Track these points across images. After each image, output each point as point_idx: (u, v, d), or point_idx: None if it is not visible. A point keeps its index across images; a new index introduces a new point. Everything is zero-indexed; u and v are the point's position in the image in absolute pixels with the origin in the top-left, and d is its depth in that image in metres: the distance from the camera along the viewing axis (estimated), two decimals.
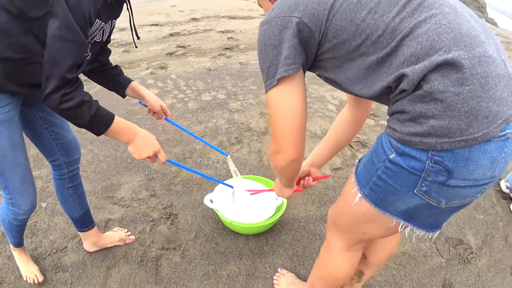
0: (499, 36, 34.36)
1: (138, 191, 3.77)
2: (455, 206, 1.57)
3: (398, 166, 1.55)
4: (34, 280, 2.87)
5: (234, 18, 12.78)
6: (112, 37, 10.55)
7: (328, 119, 5.44)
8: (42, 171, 4.16)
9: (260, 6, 2.10)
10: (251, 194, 3.10)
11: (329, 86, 6.55)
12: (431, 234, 1.77)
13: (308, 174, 2.63)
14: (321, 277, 2.35)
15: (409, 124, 1.43)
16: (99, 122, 1.89)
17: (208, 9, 14.34)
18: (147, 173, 4.05)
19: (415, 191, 1.53)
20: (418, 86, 1.38)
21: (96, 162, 4.26)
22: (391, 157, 1.57)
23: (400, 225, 1.73)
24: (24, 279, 2.90)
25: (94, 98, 1.85)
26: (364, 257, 2.50)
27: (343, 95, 6.24)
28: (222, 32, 10.43)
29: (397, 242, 2.39)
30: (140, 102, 2.69)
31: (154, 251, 3.13)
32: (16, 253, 2.95)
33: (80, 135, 4.83)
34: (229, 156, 3.25)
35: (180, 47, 8.77)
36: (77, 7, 1.67)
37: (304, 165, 2.62)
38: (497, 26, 60.10)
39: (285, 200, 3.32)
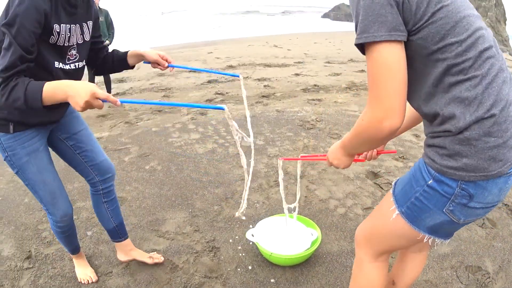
0: None
1: (183, 226, 4.07)
2: (467, 222, 1.95)
3: (434, 190, 1.91)
4: (88, 280, 3.28)
5: (269, 66, 13.17)
6: (152, 81, 10.96)
7: (360, 163, 5.72)
8: (87, 203, 4.54)
9: None
10: (302, 157, 3.22)
11: None
12: (445, 241, 2.11)
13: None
14: None
15: (447, 159, 1.81)
16: (33, 95, 2.07)
17: (244, 56, 14.82)
18: (191, 211, 4.35)
19: (444, 210, 1.91)
20: (461, 131, 1.74)
21: (141, 199, 4.60)
22: (429, 182, 1.92)
23: (426, 237, 2.04)
24: (79, 281, 3.30)
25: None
26: (392, 283, 2.77)
27: None
28: (259, 80, 10.82)
29: (422, 268, 2.65)
30: (144, 62, 2.97)
31: (197, 279, 3.39)
32: (75, 260, 3.39)
33: (124, 173, 5.23)
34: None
35: (219, 94, 9.14)
36: (21, 28, 2.09)
37: None
38: None
39: (320, 235, 3.62)
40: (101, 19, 8.65)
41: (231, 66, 12.97)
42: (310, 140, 6.44)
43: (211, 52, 16.10)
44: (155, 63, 2.93)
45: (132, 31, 32.24)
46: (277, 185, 4.95)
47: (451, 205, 1.89)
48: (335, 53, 17.99)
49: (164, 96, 9.28)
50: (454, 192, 1.84)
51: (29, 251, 3.80)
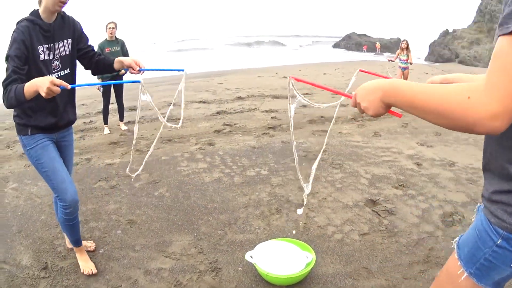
0: None
1: (188, 248, 4.39)
2: None
3: (503, 249, 1.87)
4: (89, 272, 3.92)
5: (277, 97, 13.49)
6: (163, 111, 11.29)
7: (359, 191, 5.97)
8: (100, 224, 4.92)
9: None
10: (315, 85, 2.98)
11: (363, 161, 7.19)
12: None
13: None
14: None
15: None
16: (18, 93, 3.04)
17: (253, 88, 15.15)
18: (196, 234, 4.66)
19: (511, 265, 1.90)
20: None
21: (150, 222, 4.94)
22: (498, 242, 1.88)
23: None
24: (82, 271, 3.91)
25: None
26: None
27: (376, 169, 6.83)
28: (266, 111, 11.14)
29: None
30: (125, 70, 3.63)
31: None
32: (77, 253, 4.06)
33: (134, 198, 5.58)
34: (185, 70, 3.86)
35: (227, 125, 9.46)
36: (12, 56, 3.21)
37: (442, 78, 2.56)
38: None
39: (314, 257, 3.91)
40: (117, 48, 9.00)
41: (240, 98, 13.33)
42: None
43: (221, 83, 16.53)
44: (130, 67, 3.65)
45: (146, 61, 32.58)
46: (278, 212, 5.25)
47: None
48: (343, 84, 18.31)
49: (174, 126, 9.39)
50: None
51: (46, 262, 4.22)
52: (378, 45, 61.44)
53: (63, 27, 3.59)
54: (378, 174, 6.71)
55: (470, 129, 1.56)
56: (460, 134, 10.10)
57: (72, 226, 3.80)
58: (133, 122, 10.11)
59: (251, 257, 3.87)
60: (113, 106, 9.94)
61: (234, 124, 9.72)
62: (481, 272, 2.01)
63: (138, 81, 3.35)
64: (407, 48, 15.91)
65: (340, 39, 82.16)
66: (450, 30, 76.73)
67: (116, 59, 3.88)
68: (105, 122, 9.48)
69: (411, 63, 15.78)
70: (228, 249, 4.42)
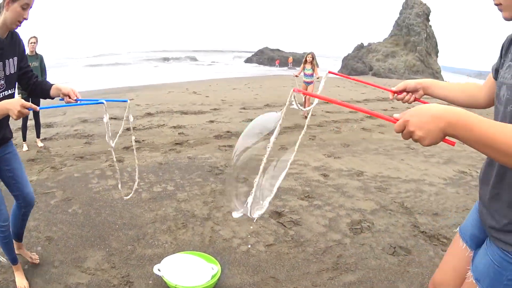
0: None
1: (101, 263, 4.57)
2: None
3: None
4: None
5: (186, 113, 13.73)
6: (76, 127, 11.39)
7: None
8: (23, 240, 4.95)
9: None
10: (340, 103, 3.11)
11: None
12: None
13: (415, 91, 2.72)
14: None
15: None
16: None
17: (163, 104, 15.37)
18: (108, 250, 4.84)
19: None
20: None
21: (65, 239, 5.07)
22: None
23: None
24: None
25: None
26: None
27: (281, 182, 6.99)
28: (174, 127, 11.36)
29: None
30: (61, 99, 3.64)
31: None
32: (15, 271, 4.21)
33: (51, 215, 5.69)
34: (128, 101, 4.08)
35: (136, 141, 9.59)
36: None
37: (417, 82, 2.73)
38: None
39: (219, 269, 4.16)
40: (36, 64, 8.98)
41: (149, 114, 13.42)
42: (218, 185, 6.96)
43: (132, 99, 16.62)
44: (67, 96, 3.63)
45: (60, 76, 32.16)
46: (184, 226, 5.47)
47: None
48: (252, 99, 18.77)
49: (86, 143, 9.65)
50: None
51: None
52: (290, 59, 62.25)
53: (12, 43, 3.50)
54: (283, 187, 6.98)
55: None
56: (370, 144, 10.68)
57: (7, 243, 3.91)
58: (49, 138, 10.12)
59: (159, 270, 4.08)
60: (31, 123, 9.97)
61: (143, 140, 9.85)
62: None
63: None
64: (313, 61, 15.06)
65: (253, 54, 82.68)
66: (365, 44, 78.57)
67: (53, 86, 3.81)
68: (24, 139, 9.42)
69: (318, 78, 14.77)
70: (139, 264, 4.61)
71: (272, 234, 5.47)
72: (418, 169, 8.94)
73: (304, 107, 11.32)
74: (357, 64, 65.19)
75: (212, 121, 12.58)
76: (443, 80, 71.88)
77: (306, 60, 15.04)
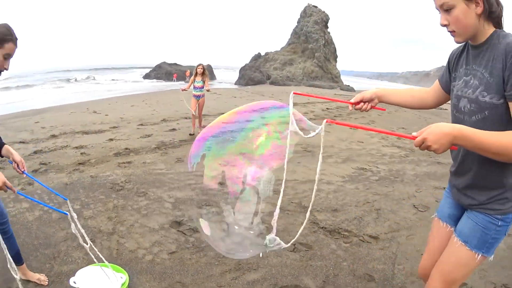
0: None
1: (27, 282, 4.73)
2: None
3: (503, 226, 2.84)
4: None
5: (87, 133, 13.88)
6: None
7: (164, 215, 6.52)
8: None
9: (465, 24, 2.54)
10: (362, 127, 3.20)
11: (166, 187, 7.81)
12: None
13: (370, 101, 3.28)
14: None
15: (507, 205, 2.78)
16: None
17: (65, 125, 15.38)
18: (30, 269, 4.89)
19: (505, 233, 2.89)
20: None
21: None
22: (499, 224, 2.81)
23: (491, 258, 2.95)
24: None
25: None
26: None
27: (179, 193, 7.35)
28: (76, 148, 11.51)
29: None
30: (9, 162, 3.91)
31: None
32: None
33: None
34: (68, 199, 4.28)
35: (43, 164, 9.70)
36: None
37: (372, 93, 3.27)
38: (354, 91, 62.74)
39: (127, 277, 4.44)
40: None
41: (54, 136, 13.35)
42: (120, 201, 7.23)
43: (37, 122, 16.46)
44: (15, 163, 3.88)
45: None
46: (92, 242, 5.49)
47: (508, 227, 2.84)
48: (149, 115, 18.99)
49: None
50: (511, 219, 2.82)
51: None
52: (187, 72, 61.97)
53: None
54: (181, 197, 7.34)
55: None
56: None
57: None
58: None
59: (75, 282, 4.31)
60: None
61: (49, 162, 9.90)
62: (489, 248, 2.87)
63: (66, 213, 3.71)
64: (204, 73, 14.28)
65: (151, 69, 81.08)
66: (263, 53, 78.93)
67: (6, 147, 3.89)
68: None
69: (208, 90, 14.34)
70: (58, 280, 4.83)
71: (174, 243, 5.75)
72: (315, 170, 8.93)
73: (193, 127, 11.85)
74: (254, 73, 65.10)
75: (111, 139, 12.77)
76: (343, 83, 73.56)
77: (196, 72, 14.35)
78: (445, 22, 2.63)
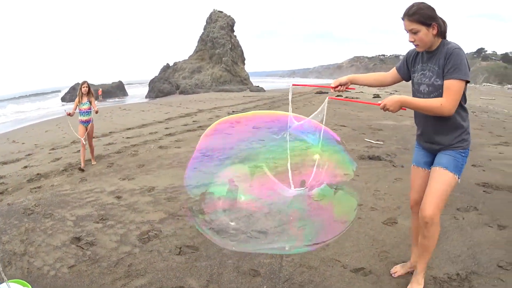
0: (263, 99, 35.88)
1: None
2: None
3: (465, 157, 4.24)
4: None
5: (6, 163, 13.75)
6: None
7: (66, 232, 6.63)
8: None
9: (423, 43, 3.97)
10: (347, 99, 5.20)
11: (69, 206, 7.81)
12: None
13: (345, 84, 4.49)
14: (435, 245, 4.43)
15: (467, 141, 4.23)
16: None
17: None
18: None
19: (466, 162, 4.29)
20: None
21: None
22: (463, 154, 4.24)
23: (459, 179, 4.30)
24: None
25: None
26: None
27: (80, 211, 7.46)
28: None
29: None
30: None
31: None
32: None
33: None
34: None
35: None
36: None
37: (346, 78, 4.50)
38: (264, 91, 62.51)
39: None
40: None
41: None
42: (30, 224, 7.30)
43: None
44: None
45: None
46: (9, 264, 5.73)
47: (467, 157, 4.27)
48: (61, 138, 18.89)
49: None
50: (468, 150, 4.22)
51: None
52: (100, 91, 61.10)
53: None
54: (81, 215, 7.44)
55: (441, 114, 3.86)
56: (164, 160, 11.17)
57: None
58: None
59: None
60: None
61: None
62: (460, 171, 4.24)
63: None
64: (89, 92, 11.99)
65: (66, 92, 78.81)
66: (171, 64, 78.29)
67: None
68: None
69: (97, 112, 11.90)
70: None
71: (73, 257, 5.84)
72: (211, 174, 8.34)
73: (83, 161, 11.63)
74: (163, 85, 64.18)
75: (26, 167, 12.66)
76: (252, 84, 73.73)
77: (81, 93, 11.90)
78: (412, 40, 3.97)
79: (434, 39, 3.92)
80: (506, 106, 36.62)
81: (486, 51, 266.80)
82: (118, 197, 8.17)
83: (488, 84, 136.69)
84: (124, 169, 10.58)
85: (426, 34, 3.85)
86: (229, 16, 77.87)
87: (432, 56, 4.01)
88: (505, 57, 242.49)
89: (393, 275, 4.95)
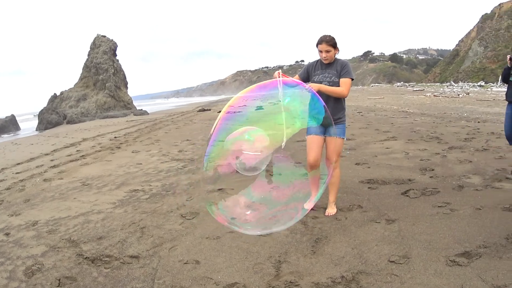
0: (146, 122, 35.11)
1: None
2: None
3: (344, 128, 6.89)
4: None
5: None
6: None
7: None
8: None
9: (331, 58, 6.40)
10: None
11: None
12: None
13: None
14: (339, 181, 6.99)
15: (344, 118, 7.02)
16: None
17: None
18: None
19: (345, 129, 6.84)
20: None
21: None
22: (345, 126, 6.88)
23: None
24: None
25: None
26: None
27: None
28: None
29: None
30: None
31: None
32: None
33: None
34: None
35: None
36: None
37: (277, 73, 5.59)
38: (148, 114, 61.99)
39: None
40: None
41: None
42: None
43: None
44: None
45: None
46: None
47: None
48: None
49: None
50: None
51: None
52: None
53: None
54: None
55: (342, 96, 6.31)
56: (47, 193, 10.78)
57: None
58: None
59: None
60: None
61: None
62: (344, 135, 6.61)
63: None
64: None
65: None
66: (58, 93, 75.38)
67: None
68: None
69: None
70: None
71: None
72: (88, 202, 9.12)
73: None
74: (51, 116, 60.54)
75: None
76: (136, 108, 71.68)
77: None
78: (325, 56, 6.21)
79: (334, 56, 6.25)
80: (395, 103, 37.83)
81: (374, 53, 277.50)
82: (7, 234, 7.81)
83: (376, 84, 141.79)
84: (12, 205, 10.13)
85: (334, 53, 6.19)
86: (112, 40, 75.02)
87: (330, 66, 6.29)
88: (393, 57, 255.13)
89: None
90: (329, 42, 6.15)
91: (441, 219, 6.37)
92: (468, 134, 14.96)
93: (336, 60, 6.35)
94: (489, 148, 12.00)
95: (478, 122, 19.55)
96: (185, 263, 4.88)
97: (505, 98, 8.31)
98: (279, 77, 5.23)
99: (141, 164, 13.59)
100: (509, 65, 7.91)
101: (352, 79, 6.28)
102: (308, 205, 5.34)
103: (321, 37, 6.14)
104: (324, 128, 6.34)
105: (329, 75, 6.30)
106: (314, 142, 6.48)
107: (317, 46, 6.27)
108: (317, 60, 6.47)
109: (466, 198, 7.33)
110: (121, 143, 20.43)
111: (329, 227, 6.31)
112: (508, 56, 7.84)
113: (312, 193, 5.78)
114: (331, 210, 6.81)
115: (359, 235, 5.96)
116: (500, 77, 10.38)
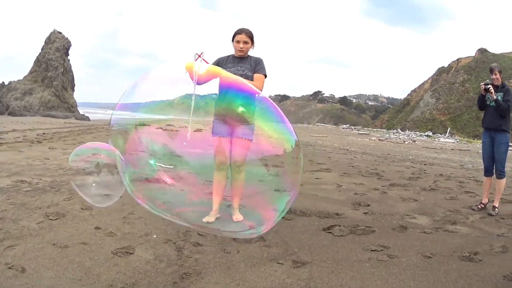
0: (81, 126, 34.30)
1: None
2: None
3: (253, 129, 5.58)
4: None
5: None
6: None
7: None
8: None
9: (246, 50, 5.84)
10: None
11: None
12: None
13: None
14: (243, 185, 5.74)
15: (254, 118, 5.49)
16: None
17: None
18: None
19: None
20: None
21: None
22: (254, 128, 5.54)
23: None
24: None
25: None
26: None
27: None
28: None
29: None
30: None
31: None
32: None
33: None
34: None
35: None
36: None
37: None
38: (89, 120, 60.49)
39: None
40: None
41: None
42: None
43: None
44: None
45: None
46: None
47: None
48: None
49: None
50: None
51: None
52: None
53: None
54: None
55: (260, 89, 5.41)
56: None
57: None
58: None
59: None
60: None
61: None
62: (252, 136, 5.47)
63: None
64: None
65: None
66: (7, 83, 72.77)
67: None
68: None
69: None
70: None
71: None
72: None
73: None
74: None
75: None
76: (79, 113, 69.94)
77: None
78: (241, 47, 5.74)
79: (248, 52, 5.86)
80: (338, 142, 35.91)
81: (324, 93, 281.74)
82: None
83: (322, 124, 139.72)
84: None
85: (250, 47, 5.82)
86: (67, 38, 70.22)
87: (243, 60, 5.82)
88: (343, 100, 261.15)
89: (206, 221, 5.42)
90: (248, 33, 5.91)
91: (374, 267, 4.33)
92: (413, 173, 12.90)
93: (249, 56, 6.04)
94: (438, 188, 10.04)
95: (425, 164, 17.58)
96: (9, 267, 3.68)
97: (481, 125, 8.07)
98: (198, 59, 4.77)
99: (48, 159, 12.20)
100: (483, 93, 7.57)
101: (266, 76, 5.98)
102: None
103: (240, 28, 5.95)
104: (230, 129, 5.69)
105: (241, 68, 5.90)
106: (220, 144, 6.02)
107: (234, 36, 5.97)
108: (229, 55, 6.07)
109: (411, 241, 5.32)
110: (44, 139, 18.67)
111: (209, 260, 4.24)
112: (482, 84, 7.49)
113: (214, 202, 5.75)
114: (238, 216, 5.44)
115: (248, 278, 3.91)
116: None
